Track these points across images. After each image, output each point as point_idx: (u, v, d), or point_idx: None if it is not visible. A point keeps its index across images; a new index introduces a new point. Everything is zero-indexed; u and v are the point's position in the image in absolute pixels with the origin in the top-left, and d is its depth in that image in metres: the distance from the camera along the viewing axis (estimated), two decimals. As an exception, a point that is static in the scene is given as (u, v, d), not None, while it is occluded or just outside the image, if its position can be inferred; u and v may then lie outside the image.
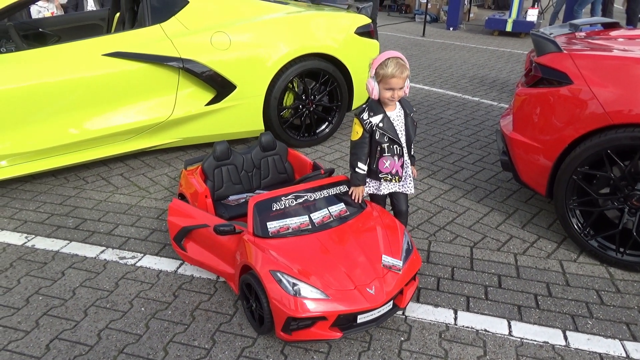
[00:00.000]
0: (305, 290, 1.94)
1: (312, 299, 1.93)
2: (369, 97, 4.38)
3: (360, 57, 4.21)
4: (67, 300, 2.32)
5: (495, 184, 3.51)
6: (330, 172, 2.63)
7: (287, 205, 2.27)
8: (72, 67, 3.19)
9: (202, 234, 2.40)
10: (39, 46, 3.54)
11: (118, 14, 4.52)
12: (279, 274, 1.98)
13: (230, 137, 3.95)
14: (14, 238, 2.81)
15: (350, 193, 2.38)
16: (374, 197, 2.47)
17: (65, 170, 3.62)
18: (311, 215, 2.27)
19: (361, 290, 1.98)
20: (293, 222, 2.23)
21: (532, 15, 10.10)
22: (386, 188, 2.38)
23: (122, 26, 4.37)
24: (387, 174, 2.33)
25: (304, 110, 4.10)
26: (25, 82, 3.05)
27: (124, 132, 3.45)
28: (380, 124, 2.24)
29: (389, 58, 2.18)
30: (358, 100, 4.36)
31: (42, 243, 2.76)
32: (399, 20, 12.46)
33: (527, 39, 9.92)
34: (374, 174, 2.33)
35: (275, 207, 2.25)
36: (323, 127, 4.27)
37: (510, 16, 10.19)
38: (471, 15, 12.79)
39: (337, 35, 4.07)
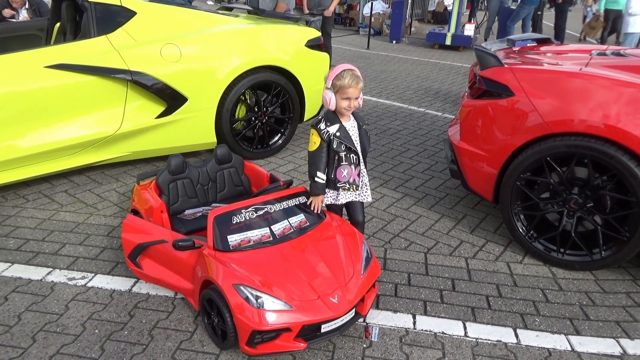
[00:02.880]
0: (269, 302, 1.94)
1: (276, 310, 1.93)
2: (320, 109, 4.45)
3: (311, 70, 4.27)
4: (13, 326, 2.18)
5: (444, 191, 3.66)
6: (288, 184, 2.65)
7: (248, 218, 2.26)
8: (11, 80, 3.03)
9: (159, 250, 2.34)
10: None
11: (58, 24, 4.35)
12: (242, 287, 1.97)
13: (182, 150, 3.87)
14: (-52, 262, 2.62)
15: (309, 203, 2.40)
16: (331, 208, 2.51)
17: (2, 188, 3.41)
18: (272, 227, 2.27)
19: (324, 299, 2.00)
20: (254, 234, 2.22)
21: (469, 30, 10.64)
22: (344, 197, 2.43)
23: (63, 37, 4.20)
24: (344, 183, 2.38)
25: (256, 122, 4.10)
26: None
27: (68, 147, 3.30)
28: (338, 133, 2.30)
29: (344, 70, 2.25)
30: (310, 111, 4.42)
31: (-19, 266, 2.59)
32: (344, 33, 12.73)
33: (466, 52, 10.43)
34: (332, 183, 2.38)
35: (235, 220, 2.23)
36: (276, 138, 4.28)
37: (449, 30, 10.68)
38: (412, 29, 13.28)
39: (288, 47, 4.11)
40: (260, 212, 2.30)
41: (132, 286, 2.49)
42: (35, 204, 3.27)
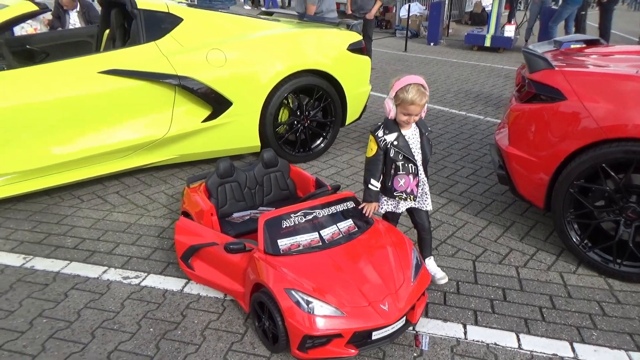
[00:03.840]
0: (321, 307, 1.95)
1: (328, 316, 1.94)
2: (361, 113, 4.44)
3: (352, 73, 4.28)
4: (73, 322, 2.27)
5: (490, 197, 3.59)
6: (336, 189, 2.66)
7: (297, 223, 2.28)
8: (68, 85, 3.16)
9: (210, 252, 2.39)
10: (30, 64, 3.49)
11: (108, 31, 4.50)
12: (293, 292, 1.98)
13: (226, 154, 3.94)
14: (12, 259, 2.74)
15: (361, 208, 2.40)
16: (389, 215, 2.50)
17: (58, 189, 3.55)
18: (320, 232, 2.29)
19: (375, 306, 2.00)
20: (303, 239, 2.24)
21: (509, 31, 10.40)
22: (403, 206, 2.42)
23: (112, 43, 4.34)
24: (401, 192, 2.36)
25: (298, 125, 4.13)
26: (22, 101, 3.00)
27: (120, 149, 3.42)
28: (395, 142, 2.28)
29: (411, 84, 2.20)
30: (352, 115, 4.42)
31: (42, 264, 2.70)
32: (381, 36, 12.67)
33: (506, 53, 10.21)
34: (389, 192, 2.37)
35: (285, 224, 2.26)
36: (318, 142, 4.31)
37: (488, 32, 10.47)
38: (450, 30, 13.09)
39: (330, 52, 4.13)
40: (309, 217, 2.32)
41: (184, 286, 2.55)
42: (89, 204, 3.39)
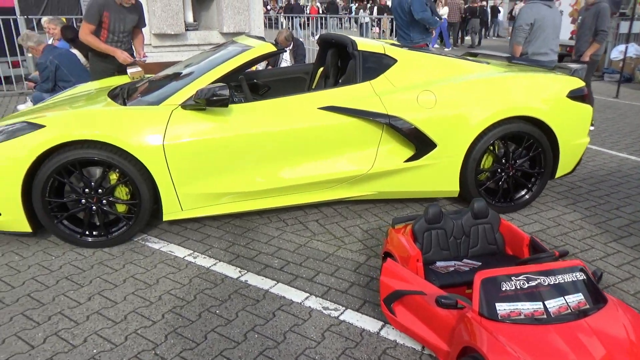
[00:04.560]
0: (547, 392, 1.71)
1: (556, 405, 1.69)
2: (576, 166, 3.98)
3: (570, 123, 3.88)
4: (280, 343, 2.40)
5: None
6: (563, 254, 2.37)
7: (518, 287, 2.07)
8: (292, 118, 3.46)
9: (416, 301, 2.32)
10: (261, 98, 3.94)
11: (321, 69, 4.87)
12: (514, 367, 1.78)
13: (422, 196, 3.89)
14: (230, 271, 3.05)
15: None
16: None
17: (268, 211, 3.89)
18: (545, 302, 2.04)
19: (615, 404, 1.68)
20: (525, 307, 2.02)
21: None
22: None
23: (325, 81, 4.68)
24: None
25: (502, 174, 3.88)
26: (253, 130, 3.38)
27: (326, 181, 3.61)
28: None
29: None
30: (563, 168, 3.99)
31: (254, 280, 2.95)
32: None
33: None
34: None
35: (505, 286, 2.07)
36: (522, 193, 3.98)
37: None
38: (676, 75, 11.19)
39: (546, 97, 3.81)
40: (533, 283, 2.09)
41: (380, 329, 2.52)
42: (292, 228, 3.64)
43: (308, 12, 22.57)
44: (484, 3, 22.06)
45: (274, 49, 3.61)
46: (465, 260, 2.75)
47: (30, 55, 8.33)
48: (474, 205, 2.80)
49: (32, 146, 2.97)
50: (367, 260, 3.20)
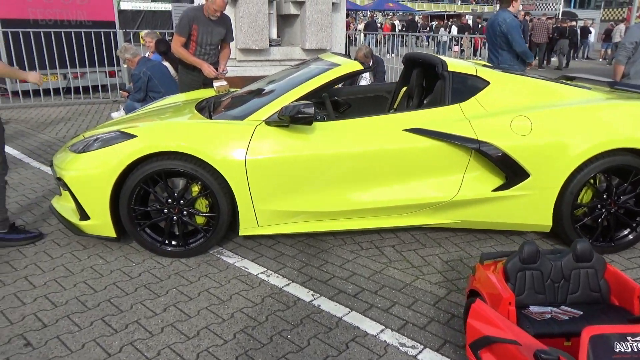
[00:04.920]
0: None
1: None
2: None
3: (686, 158, 3.44)
4: (353, 379, 2.26)
5: None
6: (690, 315, 2.05)
7: (636, 350, 1.79)
8: (376, 139, 3.34)
9: (508, 351, 2.09)
10: (342, 116, 3.86)
11: (405, 89, 4.73)
12: None
13: (510, 228, 3.60)
14: (303, 293, 2.96)
15: None
16: None
17: (343, 233, 3.78)
18: (670, 372, 1.74)
19: None
20: (644, 374, 1.74)
21: None
22: None
23: (407, 101, 4.53)
24: None
25: (603, 210, 3.50)
26: (334, 149, 3.29)
27: (407, 206, 3.44)
28: None
29: None
30: (677, 208, 3.54)
31: (327, 305, 2.84)
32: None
33: None
34: None
35: (619, 347, 1.80)
36: (625, 233, 3.57)
37: None
38: None
39: (659, 129, 3.41)
40: (654, 347, 1.80)
41: (463, 375, 2.30)
42: (368, 253, 3.50)
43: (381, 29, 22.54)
44: (574, 23, 20.90)
45: (360, 67, 3.52)
46: (563, 307, 2.46)
47: (125, 66, 8.91)
48: (577, 247, 2.51)
49: (124, 155, 3.07)
50: (448, 294, 2.99)
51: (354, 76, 3.56)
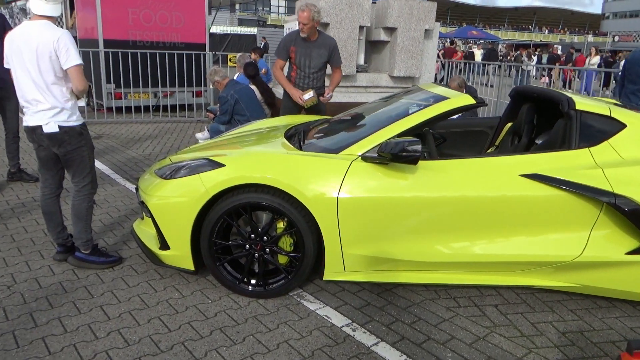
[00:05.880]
0: None
1: None
2: None
3: None
4: None
5: None
6: None
7: None
8: (486, 184, 2.91)
9: None
10: (447, 156, 3.46)
11: (510, 124, 4.25)
12: None
13: (643, 299, 3.01)
14: (395, 356, 2.57)
15: None
16: None
17: (437, 285, 3.34)
18: None
19: None
20: None
21: None
22: None
23: (512, 138, 4.05)
24: None
25: None
26: (437, 193, 2.90)
27: (519, 263, 2.96)
28: None
29: None
30: None
31: (424, 377, 2.43)
32: None
33: None
34: None
35: None
36: None
37: None
38: None
39: None
40: None
41: None
42: (466, 311, 3.04)
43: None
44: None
45: (473, 101, 3.12)
46: None
47: (212, 87, 9.08)
48: None
49: (210, 185, 2.88)
50: (573, 379, 2.47)
51: (464, 111, 3.17)
